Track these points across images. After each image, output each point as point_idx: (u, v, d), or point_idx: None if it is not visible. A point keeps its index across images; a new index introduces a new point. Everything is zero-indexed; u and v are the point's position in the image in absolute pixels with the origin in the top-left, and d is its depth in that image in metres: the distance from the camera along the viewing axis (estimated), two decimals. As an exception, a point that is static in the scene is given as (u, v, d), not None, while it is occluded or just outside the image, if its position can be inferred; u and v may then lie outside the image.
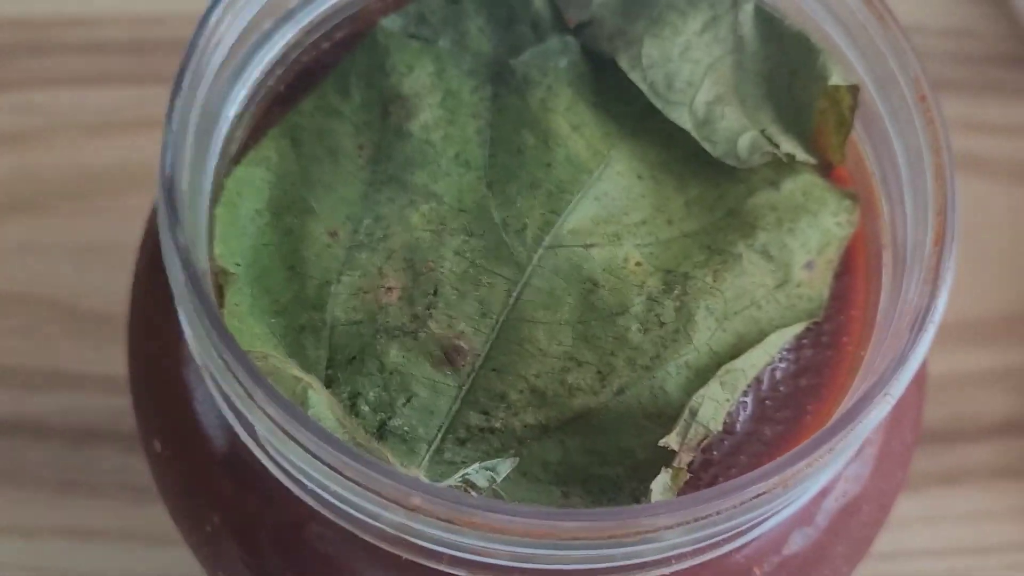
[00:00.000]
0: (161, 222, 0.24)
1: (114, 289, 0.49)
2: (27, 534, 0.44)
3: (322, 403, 0.25)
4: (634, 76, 0.28)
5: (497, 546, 0.22)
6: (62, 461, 0.45)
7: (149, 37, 0.55)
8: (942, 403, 0.47)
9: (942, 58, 0.53)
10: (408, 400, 0.26)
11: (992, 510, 0.45)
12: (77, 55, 0.54)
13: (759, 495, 0.22)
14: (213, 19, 0.26)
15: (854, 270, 0.28)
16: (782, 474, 0.22)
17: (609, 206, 0.28)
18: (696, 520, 0.22)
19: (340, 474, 0.22)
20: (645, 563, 0.23)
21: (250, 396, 0.23)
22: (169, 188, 0.24)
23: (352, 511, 0.23)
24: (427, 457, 0.26)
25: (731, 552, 0.25)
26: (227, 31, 0.26)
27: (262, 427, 0.23)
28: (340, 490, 0.23)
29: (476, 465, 0.25)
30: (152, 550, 0.44)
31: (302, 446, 0.23)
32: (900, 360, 0.23)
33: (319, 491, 0.24)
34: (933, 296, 0.24)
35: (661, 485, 0.25)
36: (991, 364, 0.48)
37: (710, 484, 0.26)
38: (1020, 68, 0.53)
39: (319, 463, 0.23)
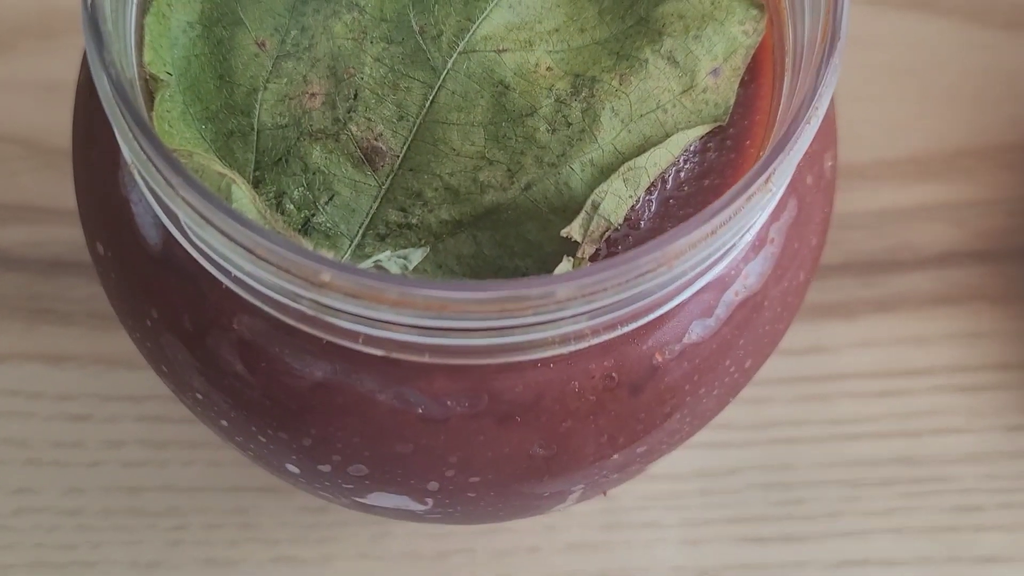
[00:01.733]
0: (85, 34, 0.25)
1: (79, 127, 0.50)
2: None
3: (245, 197, 0.26)
4: None
5: (401, 319, 0.24)
6: (33, 290, 0.47)
7: None
8: (885, 235, 0.48)
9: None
10: (331, 198, 0.28)
11: (924, 335, 0.47)
12: None
13: (647, 271, 0.24)
14: None
15: (761, 78, 0.29)
16: (666, 250, 0.23)
17: (523, 14, 0.29)
18: (587, 292, 0.23)
19: (255, 255, 0.24)
20: (545, 339, 0.25)
21: (171, 186, 0.24)
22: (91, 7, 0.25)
23: (271, 293, 0.25)
24: (348, 252, 0.28)
25: (631, 337, 0.27)
26: None
27: (184, 215, 0.25)
28: (257, 271, 0.24)
29: (388, 252, 0.27)
30: (120, 372, 0.46)
31: (220, 230, 0.24)
32: (779, 149, 0.24)
33: (241, 276, 0.25)
34: (816, 88, 0.25)
35: (563, 271, 0.26)
36: (933, 198, 0.49)
37: (615, 277, 0.28)
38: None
39: (236, 245, 0.24)
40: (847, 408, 0.46)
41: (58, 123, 0.50)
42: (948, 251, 0.48)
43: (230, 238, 0.24)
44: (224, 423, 0.30)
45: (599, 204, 0.27)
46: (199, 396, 0.30)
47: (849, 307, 0.47)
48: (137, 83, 0.28)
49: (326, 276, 0.23)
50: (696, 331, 0.28)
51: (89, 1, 0.26)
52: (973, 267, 0.48)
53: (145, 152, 0.25)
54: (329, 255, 0.24)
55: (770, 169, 0.24)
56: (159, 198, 0.26)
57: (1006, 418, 0.46)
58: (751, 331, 0.30)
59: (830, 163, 0.31)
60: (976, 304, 0.47)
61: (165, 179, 0.24)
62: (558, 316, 0.24)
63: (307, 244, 0.26)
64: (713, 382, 0.29)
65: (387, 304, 0.23)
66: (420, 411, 0.27)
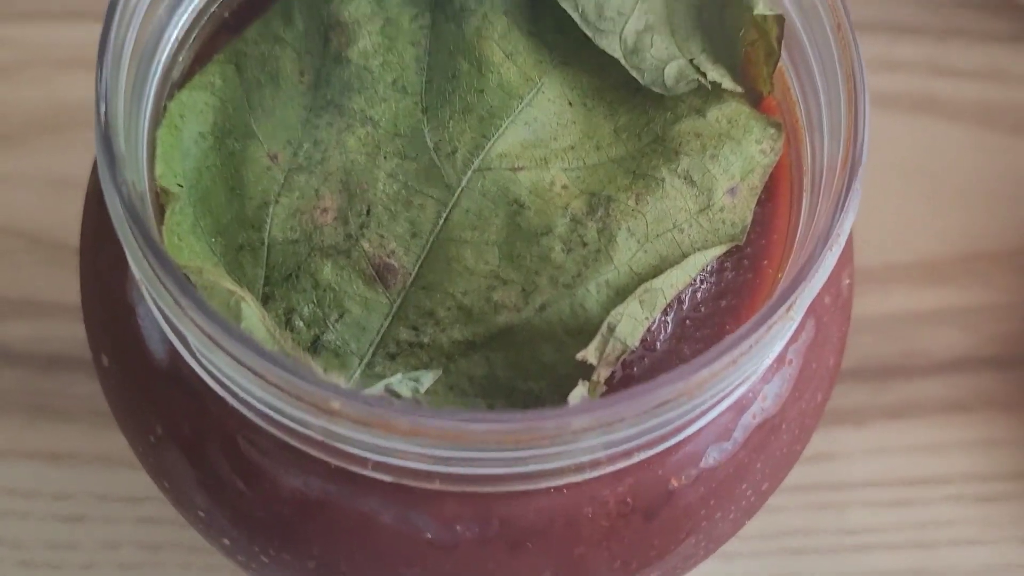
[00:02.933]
0: (97, 150, 0.25)
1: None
2: (-2, 456, 0.45)
3: (254, 316, 0.26)
4: (566, 5, 0.29)
5: (413, 448, 0.23)
6: (33, 386, 0.47)
7: (122, -27, 0.55)
8: (896, 340, 0.48)
9: (908, 1, 0.53)
10: (341, 316, 0.27)
11: (937, 443, 0.46)
12: (50, -11, 0.55)
13: (666, 401, 0.23)
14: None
15: (778, 196, 0.29)
16: (687, 381, 0.23)
17: (538, 131, 0.29)
18: (604, 424, 0.23)
19: (264, 380, 0.23)
20: (561, 468, 0.25)
21: (179, 306, 0.24)
22: (104, 115, 0.25)
23: (279, 417, 0.25)
24: (359, 371, 0.27)
25: (648, 463, 0.26)
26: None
27: (192, 336, 0.24)
28: (266, 396, 0.24)
29: (399, 375, 0.26)
30: (119, 471, 0.45)
31: (228, 353, 0.24)
32: (801, 277, 0.24)
33: (248, 399, 0.25)
34: (838, 216, 0.24)
35: (578, 396, 0.26)
36: (946, 303, 0.48)
37: (630, 399, 0.27)
38: (984, 12, 0.53)
39: (245, 370, 0.24)
40: (859, 517, 0.45)
41: (64, 218, 0.50)
42: (961, 357, 0.47)
43: (239, 362, 0.24)
44: (226, 541, 0.29)
45: (615, 327, 0.26)
46: (201, 513, 0.29)
47: (860, 414, 0.46)
48: (148, 197, 0.27)
49: (336, 405, 0.23)
50: (713, 455, 0.28)
51: (103, 117, 0.25)
52: (986, 373, 0.47)
53: (155, 272, 0.24)
54: (340, 384, 0.23)
55: (792, 298, 0.23)
56: (167, 317, 0.25)
57: (1022, 529, 0.45)
58: (768, 453, 0.29)
59: (847, 281, 0.30)
60: (990, 411, 0.47)
61: (174, 300, 0.24)
62: (574, 447, 0.23)
63: (317, 366, 0.25)
64: (729, 506, 0.29)
65: (399, 434, 0.23)
66: (428, 536, 0.26)
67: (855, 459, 0.46)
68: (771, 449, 0.29)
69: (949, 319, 0.48)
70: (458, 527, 0.26)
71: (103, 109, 0.25)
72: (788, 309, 0.23)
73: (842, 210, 0.24)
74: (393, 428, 0.23)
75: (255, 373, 0.24)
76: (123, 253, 0.28)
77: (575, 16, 0.29)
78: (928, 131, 0.51)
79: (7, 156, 0.51)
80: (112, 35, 0.26)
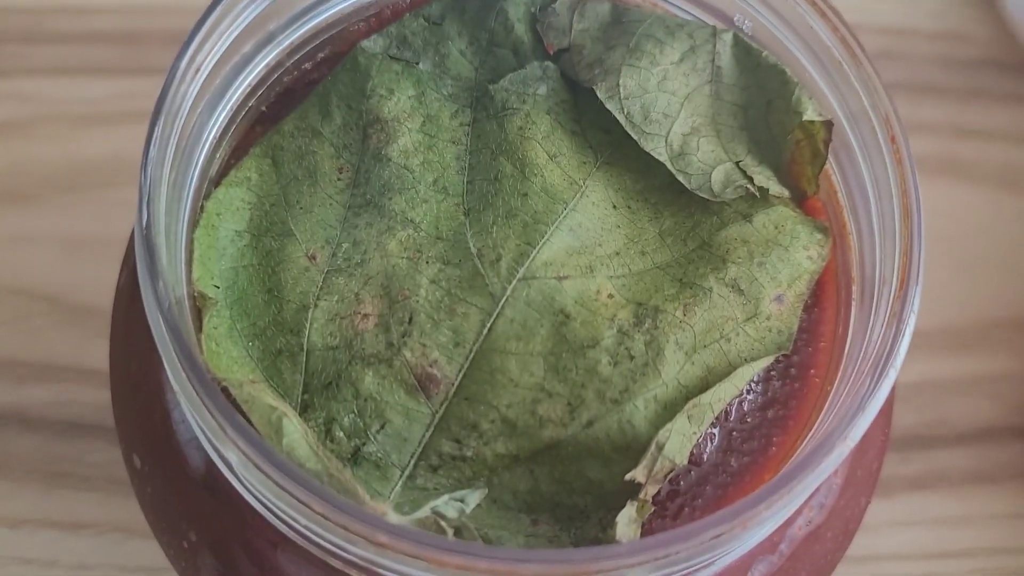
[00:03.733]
0: (139, 259, 0.25)
1: (103, 281, 0.49)
2: (14, 524, 0.45)
3: (296, 432, 0.25)
4: (611, 106, 0.28)
5: (461, 581, 0.23)
6: (50, 453, 0.46)
7: (139, 27, 0.55)
8: (918, 409, 0.47)
9: (932, 62, 0.53)
10: (382, 427, 0.27)
11: (962, 515, 0.46)
12: (67, 44, 0.54)
13: (718, 535, 0.23)
14: (192, 48, 0.26)
15: (824, 302, 0.29)
16: (741, 517, 0.22)
17: (583, 237, 0.28)
18: (657, 559, 0.22)
19: (309, 508, 0.23)
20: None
21: (223, 430, 0.23)
22: (147, 224, 0.24)
23: (321, 541, 0.24)
24: (399, 483, 0.27)
25: (694, 580, 0.26)
26: (207, 57, 0.27)
27: (235, 459, 0.24)
28: (309, 523, 0.23)
29: (446, 497, 0.25)
30: (139, 542, 0.45)
31: (271, 479, 0.23)
32: (859, 407, 0.23)
33: (289, 520, 0.24)
34: (895, 341, 0.24)
35: (627, 517, 0.25)
36: (969, 371, 0.48)
37: (676, 514, 0.27)
38: (1008, 73, 0.53)
39: (288, 496, 0.23)
40: (885, 591, 0.44)
41: (80, 279, 0.50)
42: (986, 427, 0.47)
43: (281, 488, 0.23)
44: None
45: (664, 444, 0.26)
46: (234, 620, 0.28)
47: (885, 485, 0.46)
48: (186, 302, 0.27)
49: (384, 539, 0.22)
50: (759, 569, 0.27)
51: (144, 223, 0.25)
52: (1012, 443, 0.47)
53: (198, 394, 0.24)
54: (389, 513, 0.23)
55: (849, 428, 0.23)
56: (207, 434, 0.25)
57: (1049, 604, 0.44)
58: (813, 560, 0.29)
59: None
60: (1017, 482, 0.46)
61: (217, 423, 0.23)
62: (625, 577, 0.23)
63: (364, 493, 0.24)
64: (773, 614, 0.28)
65: (450, 569, 0.22)
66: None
67: (880, 531, 0.45)
68: (815, 556, 0.29)
69: (973, 388, 0.48)
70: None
71: (145, 217, 0.25)
72: (846, 439, 0.23)
73: (899, 336, 0.24)
74: (443, 564, 0.22)
75: (298, 500, 0.23)
76: (157, 361, 0.28)
77: (621, 118, 0.29)
78: (951, 195, 0.51)
79: (23, 215, 0.51)
80: (156, 137, 0.25)
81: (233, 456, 0.24)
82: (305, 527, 0.24)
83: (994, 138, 0.52)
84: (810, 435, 0.26)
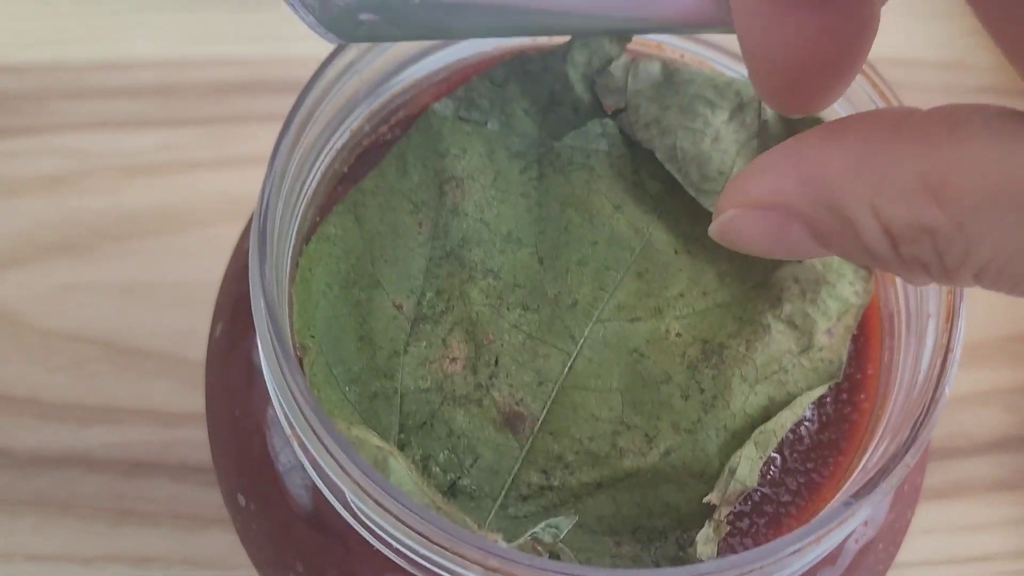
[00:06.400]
0: (261, 322, 0.27)
1: (153, 325, 0.52)
2: (86, 561, 0.47)
3: (402, 469, 0.28)
4: (670, 168, 0.31)
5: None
6: (115, 491, 0.48)
7: (177, 81, 0.57)
8: (940, 422, 0.50)
9: (937, 91, 0.56)
10: (475, 461, 0.29)
11: (986, 522, 0.48)
12: (111, 99, 0.57)
13: (796, 551, 0.25)
14: (294, 124, 0.28)
15: (869, 333, 0.31)
16: (816, 533, 0.25)
17: (650, 281, 0.31)
18: (742, 574, 0.25)
19: (426, 538, 0.25)
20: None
21: (341, 467, 0.26)
22: (263, 288, 0.27)
23: (434, 568, 0.26)
24: (492, 513, 0.29)
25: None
26: (306, 130, 0.29)
27: (352, 493, 0.26)
28: (426, 552, 0.26)
29: (542, 524, 0.28)
30: (205, 572, 0.47)
31: (389, 511, 0.25)
32: (915, 432, 0.26)
33: (404, 551, 0.27)
34: (943, 371, 0.27)
35: (704, 537, 0.28)
36: (988, 384, 0.51)
37: (744, 531, 0.29)
38: (1009, 100, 0.56)
39: (405, 527, 0.25)
40: (912, 597, 0.47)
41: (133, 324, 0.52)
42: (1003, 437, 0.50)
43: (399, 519, 0.25)
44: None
45: (735, 469, 0.28)
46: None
47: (911, 495, 0.48)
48: (293, 355, 0.29)
49: (495, 563, 0.25)
50: (821, 580, 0.30)
51: (264, 293, 0.27)
52: (1028, 452, 0.50)
53: (316, 434, 0.26)
54: (499, 542, 0.25)
55: (908, 451, 0.26)
56: (321, 471, 0.27)
57: (1069, 604, 0.47)
58: (866, 569, 0.31)
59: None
60: (1033, 488, 0.49)
61: (335, 459, 0.26)
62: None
63: (469, 520, 0.27)
64: (831, 621, 0.31)
65: (557, 589, 0.25)
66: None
67: (909, 538, 0.48)
68: (868, 566, 0.31)
69: (991, 400, 0.50)
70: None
71: (263, 282, 0.27)
72: (906, 460, 0.26)
73: (947, 366, 0.27)
74: (551, 584, 0.25)
75: (415, 531, 0.25)
76: (258, 402, 0.30)
77: (679, 179, 0.31)
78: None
79: (76, 265, 0.53)
80: (267, 206, 0.27)
81: (350, 490, 0.26)
82: (419, 555, 0.26)
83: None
84: (867, 455, 0.29)
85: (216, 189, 0.54)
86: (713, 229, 0.27)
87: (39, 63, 0.56)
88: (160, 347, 0.51)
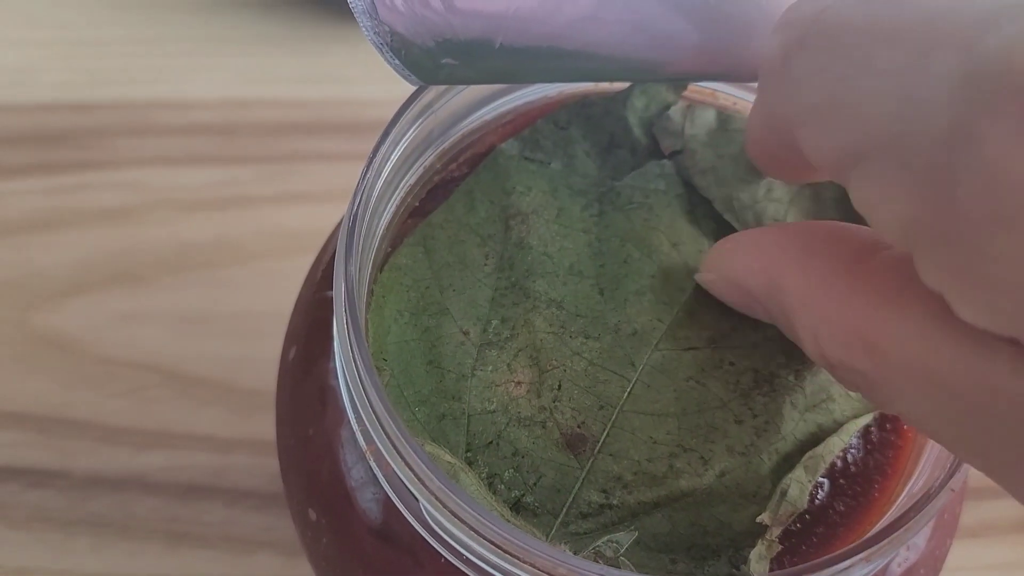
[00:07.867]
0: (344, 345, 0.29)
1: (210, 353, 0.54)
2: (141, 581, 0.48)
3: (473, 485, 0.29)
4: (729, 218, 0.33)
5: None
6: (169, 514, 0.50)
7: (235, 120, 0.60)
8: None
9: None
10: (538, 480, 0.31)
11: (1012, 560, 0.50)
12: (172, 136, 0.59)
13: (846, 568, 0.27)
14: (376, 160, 0.31)
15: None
16: (867, 551, 0.27)
17: (704, 314, 0.32)
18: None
19: (498, 547, 0.27)
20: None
21: (419, 477, 0.28)
22: (347, 312, 0.29)
23: (498, 574, 0.28)
24: (555, 529, 0.31)
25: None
26: (386, 164, 0.31)
27: (427, 503, 0.28)
28: (497, 560, 0.27)
29: (604, 538, 0.29)
30: (255, 596, 0.48)
31: (463, 521, 0.27)
32: (957, 464, 0.27)
33: (477, 561, 0.28)
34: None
35: (757, 555, 0.29)
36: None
37: (792, 551, 0.31)
38: None
39: (479, 536, 0.27)
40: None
41: (190, 353, 0.54)
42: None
43: (474, 531, 0.27)
44: None
45: (786, 491, 0.30)
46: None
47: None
48: (374, 369, 0.31)
49: (564, 571, 0.26)
50: (866, 600, 0.31)
51: (346, 316, 0.29)
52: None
53: (396, 448, 0.28)
54: (570, 553, 0.27)
55: (951, 481, 0.27)
56: (397, 484, 0.29)
57: (1096, 644, 0.48)
58: (907, 595, 0.33)
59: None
60: (1061, 530, 0.50)
61: (414, 471, 0.28)
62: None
63: (540, 536, 0.28)
64: (874, 644, 0.32)
65: (621, 597, 0.26)
66: None
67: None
68: (910, 592, 0.33)
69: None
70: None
71: (347, 303, 0.29)
72: (951, 490, 0.27)
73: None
74: (616, 592, 0.26)
75: (490, 541, 0.27)
76: (328, 422, 0.32)
77: (735, 224, 0.33)
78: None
79: (136, 295, 0.55)
80: (354, 242, 0.29)
81: (424, 501, 0.28)
82: (490, 563, 0.28)
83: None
84: (912, 479, 0.30)
85: (270, 224, 0.57)
86: (699, 280, 0.32)
87: (106, 101, 0.59)
88: (214, 374, 0.53)
